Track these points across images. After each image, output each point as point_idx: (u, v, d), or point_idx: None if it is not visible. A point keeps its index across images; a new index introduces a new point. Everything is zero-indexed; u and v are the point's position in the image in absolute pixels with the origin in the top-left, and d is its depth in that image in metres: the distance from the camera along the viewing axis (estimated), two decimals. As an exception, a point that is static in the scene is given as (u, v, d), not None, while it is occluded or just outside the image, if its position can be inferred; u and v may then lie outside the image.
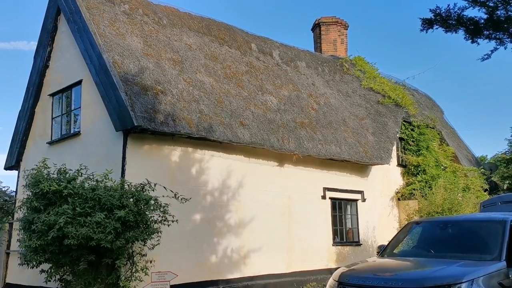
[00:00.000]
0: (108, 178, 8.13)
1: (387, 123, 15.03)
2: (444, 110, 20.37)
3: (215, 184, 10.30)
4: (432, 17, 7.47)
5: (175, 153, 9.71)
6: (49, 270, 8.14)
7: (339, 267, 9.56)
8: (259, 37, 14.54)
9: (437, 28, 7.37)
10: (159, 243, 8.50)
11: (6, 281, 11.39)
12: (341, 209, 13.44)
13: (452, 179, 15.17)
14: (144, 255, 8.41)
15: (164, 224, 8.38)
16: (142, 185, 8.23)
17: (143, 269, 8.29)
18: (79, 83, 10.42)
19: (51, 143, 10.96)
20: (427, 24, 7.34)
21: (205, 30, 12.72)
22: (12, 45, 49.05)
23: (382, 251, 7.61)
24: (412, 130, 16.05)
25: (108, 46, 9.66)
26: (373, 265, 6.94)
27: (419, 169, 15.37)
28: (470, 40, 7.51)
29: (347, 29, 18.56)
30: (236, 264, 10.39)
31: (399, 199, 15.15)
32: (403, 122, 15.87)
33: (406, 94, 16.87)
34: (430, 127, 16.43)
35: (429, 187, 14.35)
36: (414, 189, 14.68)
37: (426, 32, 7.26)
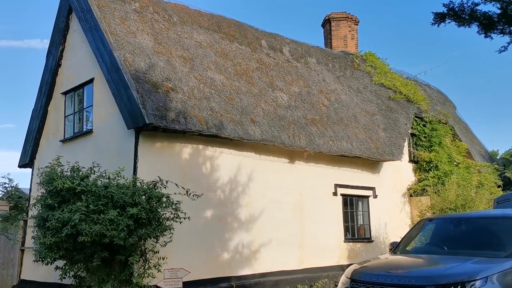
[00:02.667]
0: (120, 176, 8.19)
1: (399, 119, 14.93)
2: (457, 105, 20.19)
3: (226, 181, 10.32)
4: (445, 11, 7.39)
5: (186, 150, 9.75)
6: (63, 267, 8.23)
7: (351, 264, 9.56)
8: (269, 33, 14.51)
9: (449, 22, 7.29)
10: (171, 240, 8.55)
11: (21, 278, 11.54)
12: (353, 205, 13.39)
13: (465, 175, 15.04)
14: (156, 252, 8.47)
15: (176, 221, 8.42)
16: (154, 183, 8.28)
17: (155, 266, 8.35)
18: (91, 81, 10.49)
19: (64, 141, 11.07)
20: (439, 18, 7.27)
21: (215, 27, 12.72)
22: (25, 43, 49.53)
23: (395, 248, 7.58)
24: (424, 125, 15.92)
25: (119, 44, 9.71)
26: (386, 262, 6.92)
27: (431, 165, 15.26)
28: (484, 35, 7.42)
29: (357, 25, 18.44)
30: (248, 260, 10.41)
31: (411, 196, 15.06)
32: (415, 118, 15.75)
33: (418, 89, 16.74)
34: (443, 123, 16.30)
35: (441, 183, 14.23)
36: (426, 185, 14.57)
37: (438, 26, 7.18)
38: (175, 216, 8.39)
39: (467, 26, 7.41)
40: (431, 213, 12.82)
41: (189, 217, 8.61)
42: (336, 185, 12.82)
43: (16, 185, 12.25)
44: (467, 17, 7.23)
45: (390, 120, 14.84)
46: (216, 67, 11.39)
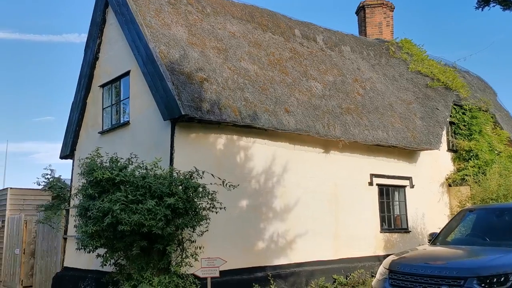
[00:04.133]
0: (157, 166, 8.32)
1: (437, 107, 14.54)
2: (498, 92, 19.47)
3: (261, 171, 10.34)
4: (490, -6, 7.10)
5: (221, 141, 9.81)
6: (104, 255, 8.47)
7: (387, 255, 9.45)
8: (302, 22, 14.36)
9: (493, 6, 7.01)
10: (207, 230, 8.66)
11: (64, 265, 11.96)
12: (389, 195, 13.18)
13: (507, 165, 14.50)
14: (193, 241, 8.60)
15: (212, 211, 8.52)
16: (190, 173, 8.38)
17: (192, 255, 8.48)
18: (127, 74, 10.68)
19: (102, 132, 11.34)
20: (484, 1, 6.99)
21: (248, 17, 12.69)
22: (64, 37, 50.91)
23: (434, 239, 7.44)
24: (464, 113, 15.46)
25: (154, 37, 9.83)
26: (425, 253, 6.80)
27: (471, 154, 14.82)
28: (529, 19, 7.09)
29: (392, 11, 18.01)
30: (283, 250, 10.44)
31: (449, 185, 14.69)
32: (454, 106, 15.31)
33: (457, 76, 16.23)
34: (483, 110, 15.77)
35: (482, 173, 13.80)
36: (466, 175, 14.16)
37: (482, 10, 6.92)
38: (211, 206, 8.49)
39: (513, 9, 7.10)
40: (471, 203, 12.46)
41: (224, 207, 8.70)
42: (372, 175, 12.64)
43: (59, 176, 12.65)
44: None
45: (428, 108, 14.47)
46: (250, 57, 11.38)
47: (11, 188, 15.34)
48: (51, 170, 12.42)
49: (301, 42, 13.48)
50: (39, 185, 12.16)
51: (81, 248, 8.40)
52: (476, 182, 13.37)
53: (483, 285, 5.43)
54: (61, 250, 12.20)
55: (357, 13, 18.39)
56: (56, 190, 12.59)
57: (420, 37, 50.09)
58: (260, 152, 10.38)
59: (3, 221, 15.24)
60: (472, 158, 14.76)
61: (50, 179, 12.40)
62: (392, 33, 17.69)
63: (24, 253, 13.86)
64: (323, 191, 11.48)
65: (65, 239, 12.17)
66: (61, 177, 12.69)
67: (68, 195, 12.21)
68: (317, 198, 11.32)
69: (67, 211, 12.13)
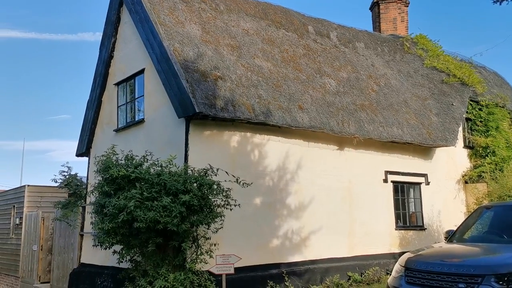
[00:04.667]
0: (172, 164, 8.37)
1: (453, 103, 14.36)
2: (515, 87, 19.13)
3: (275, 168, 10.34)
4: (509, -12, 6.99)
5: (235, 138, 9.83)
6: (120, 251, 8.55)
7: (402, 252, 9.37)
8: (316, 19, 14.29)
9: (512, 0, 6.89)
10: (222, 227, 8.69)
11: (81, 261, 12.12)
12: (404, 192, 13.08)
13: (525, 161, 14.31)
14: (208, 238, 8.64)
15: (226, 208, 8.55)
16: (205, 170, 8.42)
17: (207, 252, 8.53)
18: (141, 72, 10.75)
19: (117, 130, 11.44)
20: (502, -5, 6.88)
21: (262, 14, 12.68)
22: (79, 36, 51.46)
23: (451, 236, 7.36)
24: (480, 109, 15.26)
25: (168, 35, 9.87)
26: (441, 251, 6.73)
27: (488, 150, 14.63)
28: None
29: (407, 6, 17.81)
30: (297, 247, 10.43)
31: (466, 182, 14.52)
32: (470, 102, 15.11)
33: (473, 71, 16.00)
34: (500, 106, 15.54)
35: (499, 170, 13.62)
36: (482, 172, 13.99)
37: (500, 4, 6.81)
38: (226, 203, 8.52)
39: (531, 4, 6.96)
40: (488, 200, 12.32)
41: (239, 204, 8.73)
42: (387, 172, 12.55)
43: (75, 174, 12.79)
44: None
45: (443, 104, 14.31)
46: (263, 54, 11.37)
47: (28, 185, 15.60)
48: (68, 168, 12.56)
49: (315, 38, 13.42)
50: (56, 182, 12.31)
51: (98, 245, 8.50)
52: (493, 179, 13.21)
53: (500, 283, 5.36)
54: (78, 247, 12.35)
55: (371, 8, 18.24)
56: (73, 187, 12.73)
57: (435, 33, 49.47)
58: (274, 150, 10.38)
59: (21, 218, 15.50)
60: (489, 155, 14.56)
61: (67, 177, 12.54)
62: (407, 29, 17.51)
63: (41, 249, 14.08)
64: (337, 188, 11.44)
65: (81, 235, 12.31)
66: (76, 174, 12.83)
67: (84, 192, 12.35)
68: (332, 195, 11.28)
69: (83, 208, 12.27)
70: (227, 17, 11.67)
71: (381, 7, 17.53)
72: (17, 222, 15.81)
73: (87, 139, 12.50)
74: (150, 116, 10.45)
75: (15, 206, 16.14)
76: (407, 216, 13.10)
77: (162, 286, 7.87)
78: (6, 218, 16.90)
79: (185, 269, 8.31)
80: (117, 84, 11.66)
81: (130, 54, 11.21)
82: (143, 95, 10.73)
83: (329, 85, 12.02)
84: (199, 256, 8.48)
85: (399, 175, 12.80)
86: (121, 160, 8.54)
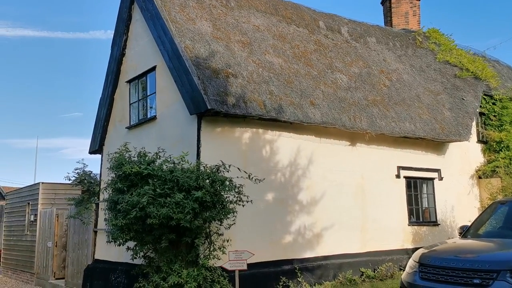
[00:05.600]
0: (185, 160, 8.41)
1: (466, 98, 14.22)
2: (530, 81, 18.88)
3: (286, 164, 10.34)
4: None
5: (247, 134, 9.84)
6: (134, 248, 8.62)
7: (416, 248, 9.34)
8: (327, 14, 14.22)
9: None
10: (234, 223, 8.72)
11: (95, 258, 12.24)
12: (417, 188, 13.00)
13: (540, 156, 14.13)
14: (221, 234, 8.67)
15: (239, 204, 8.57)
16: (217, 167, 8.44)
17: (220, 248, 8.55)
18: (153, 69, 10.80)
19: (130, 127, 11.51)
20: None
21: (272, 10, 12.65)
22: (91, 34, 51.85)
23: (465, 232, 7.30)
24: (494, 104, 15.09)
25: (179, 32, 9.90)
26: (455, 246, 6.69)
27: (502, 145, 14.47)
28: None
29: (419, 0, 17.64)
30: (310, 243, 10.43)
31: (480, 177, 14.38)
32: (484, 96, 14.95)
33: (486, 65, 15.83)
34: (514, 100, 15.36)
35: (514, 164, 13.47)
36: (497, 167, 13.84)
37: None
38: (238, 199, 8.53)
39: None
40: (502, 195, 12.19)
41: (251, 200, 8.74)
42: (399, 167, 12.48)
43: (90, 172, 12.92)
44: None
45: (457, 99, 14.17)
46: (274, 50, 11.35)
47: (42, 182, 15.78)
48: (84, 164, 12.70)
49: (326, 34, 13.36)
50: (69, 179, 12.43)
51: (111, 241, 8.57)
52: (507, 174, 13.08)
53: (516, 278, 5.31)
54: (92, 243, 12.47)
55: (382, 3, 18.09)
56: (86, 184, 12.85)
57: (447, 27, 48.96)
58: (286, 145, 10.37)
59: (35, 215, 15.69)
60: (503, 149, 14.41)
61: (80, 173, 12.66)
62: (419, 23, 17.34)
63: (56, 246, 14.25)
64: (349, 184, 11.40)
65: (95, 232, 12.43)
66: (91, 172, 12.95)
67: (98, 189, 12.46)
68: (344, 191, 11.25)
69: (97, 205, 12.38)
70: (237, 14, 11.66)
71: (392, 1, 17.39)
72: (32, 219, 16.02)
73: (100, 137, 12.60)
74: (162, 113, 10.49)
75: (30, 203, 16.35)
76: (420, 211, 13.02)
77: (176, 282, 7.93)
78: (21, 215, 17.13)
79: (198, 265, 8.35)
80: (129, 81, 11.73)
81: (142, 52, 11.26)
82: (155, 92, 10.78)
83: (341, 81, 11.96)
84: (212, 252, 8.51)
85: (411, 170, 12.72)
86: (134, 157, 8.60)
